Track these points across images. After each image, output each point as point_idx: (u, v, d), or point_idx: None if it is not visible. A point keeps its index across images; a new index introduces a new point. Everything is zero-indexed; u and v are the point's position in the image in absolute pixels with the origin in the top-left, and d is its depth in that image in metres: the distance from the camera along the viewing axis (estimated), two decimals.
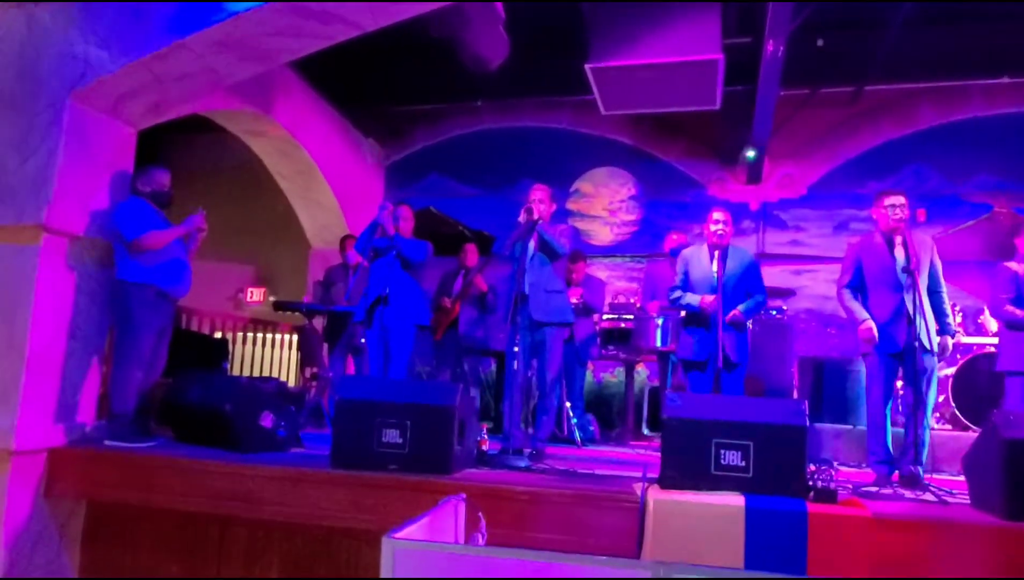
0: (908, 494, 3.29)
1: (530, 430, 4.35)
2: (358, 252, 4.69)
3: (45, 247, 3.79)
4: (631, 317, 5.51)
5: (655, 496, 2.83)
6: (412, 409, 3.36)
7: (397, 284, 4.53)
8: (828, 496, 2.86)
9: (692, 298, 4.19)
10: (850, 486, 3.34)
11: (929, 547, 2.71)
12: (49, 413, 3.81)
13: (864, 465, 4.17)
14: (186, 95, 4.35)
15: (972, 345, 5.34)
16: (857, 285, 3.83)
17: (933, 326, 3.68)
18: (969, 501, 3.14)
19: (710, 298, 4.07)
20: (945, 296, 3.81)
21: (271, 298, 8.21)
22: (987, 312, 5.24)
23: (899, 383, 4.05)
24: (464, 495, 2.28)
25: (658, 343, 5.06)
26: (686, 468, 2.98)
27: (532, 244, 4.13)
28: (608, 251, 7.64)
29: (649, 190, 7.66)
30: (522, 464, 3.63)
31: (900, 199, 3.75)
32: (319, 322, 6.18)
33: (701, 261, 4.26)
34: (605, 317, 5.71)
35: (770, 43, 5.04)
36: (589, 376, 6.36)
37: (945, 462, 4.30)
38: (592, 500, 3.01)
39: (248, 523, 3.54)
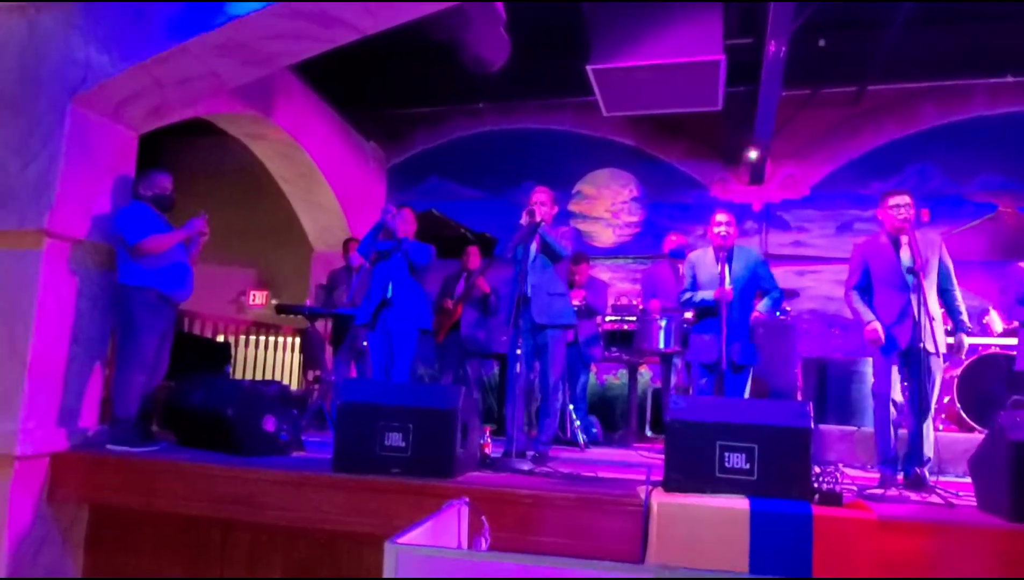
0: (914, 496, 3.28)
1: (533, 433, 4.35)
2: (361, 254, 4.69)
3: (47, 252, 3.79)
4: (634, 319, 5.49)
5: (659, 499, 2.81)
6: (414, 412, 3.35)
7: (401, 287, 4.52)
8: (833, 499, 2.84)
9: (706, 293, 4.17)
10: (855, 488, 3.33)
11: (935, 550, 2.70)
12: (51, 418, 3.81)
13: (870, 466, 4.15)
14: (187, 99, 4.35)
15: (977, 346, 5.31)
16: (864, 286, 3.81)
17: (941, 327, 3.66)
18: (976, 503, 3.13)
19: (727, 288, 4.04)
20: (958, 293, 3.78)
21: (273, 301, 8.21)
22: (992, 312, 5.22)
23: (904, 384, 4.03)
24: (467, 499, 2.27)
25: (661, 345, 5.05)
26: (690, 471, 2.96)
27: (534, 246, 4.12)
28: (610, 253, 7.63)
29: (651, 191, 7.64)
30: (525, 467, 3.62)
31: (905, 199, 3.73)
32: (322, 325, 6.18)
33: (707, 263, 4.24)
34: (608, 319, 5.69)
35: (772, 43, 5.03)
36: (592, 378, 6.35)
37: (951, 464, 4.28)
38: (596, 503, 3.00)
39: (251, 527, 3.53)
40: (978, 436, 4.06)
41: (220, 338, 6.77)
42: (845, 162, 7.17)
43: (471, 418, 3.56)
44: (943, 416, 5.18)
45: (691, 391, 4.37)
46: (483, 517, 2.22)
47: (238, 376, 6.74)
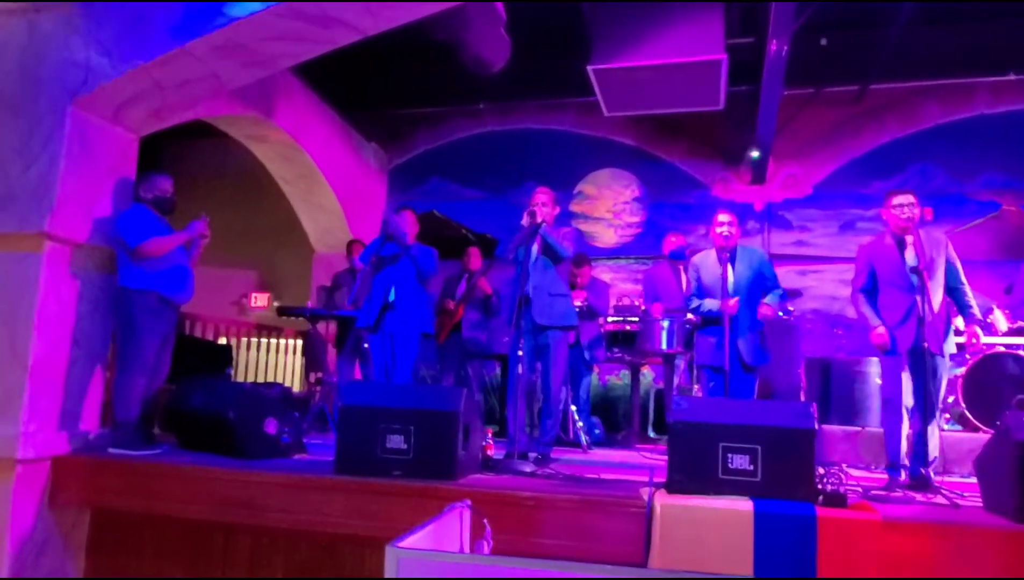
0: (919, 497, 3.26)
1: (535, 434, 4.33)
2: (362, 261, 4.71)
3: (48, 255, 3.78)
4: (636, 320, 5.48)
5: (662, 501, 2.80)
6: (416, 414, 3.34)
7: (405, 291, 4.53)
8: (838, 500, 2.82)
9: (712, 303, 4.16)
10: (860, 489, 3.31)
11: (940, 551, 2.68)
12: (53, 421, 3.80)
13: (875, 467, 4.13)
14: (188, 101, 4.34)
15: (982, 345, 5.28)
16: (871, 288, 3.80)
17: (951, 328, 3.64)
18: (981, 504, 3.11)
19: (731, 302, 4.03)
20: (967, 289, 3.76)
21: (275, 303, 8.20)
22: (996, 311, 5.19)
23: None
24: (469, 501, 2.26)
25: (664, 346, 5.02)
26: (693, 472, 2.94)
27: (535, 247, 4.11)
28: (612, 253, 7.61)
29: (653, 191, 7.63)
30: (527, 469, 3.60)
31: (908, 198, 3.70)
32: (324, 327, 6.17)
33: (711, 266, 4.23)
34: (610, 320, 5.67)
35: (774, 43, 5.01)
36: (594, 379, 6.33)
37: (956, 464, 4.26)
38: (598, 505, 2.98)
39: (252, 530, 3.52)
40: (983, 436, 4.05)
41: (222, 340, 6.78)
42: (847, 161, 7.16)
43: (473, 420, 3.54)
44: (947, 416, 5.15)
45: (700, 394, 4.34)
46: (485, 520, 2.21)
47: (240, 378, 6.75)
